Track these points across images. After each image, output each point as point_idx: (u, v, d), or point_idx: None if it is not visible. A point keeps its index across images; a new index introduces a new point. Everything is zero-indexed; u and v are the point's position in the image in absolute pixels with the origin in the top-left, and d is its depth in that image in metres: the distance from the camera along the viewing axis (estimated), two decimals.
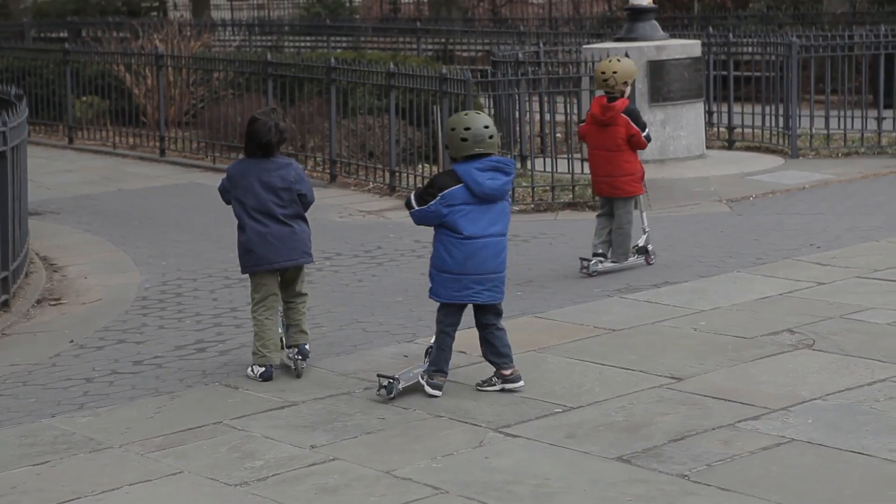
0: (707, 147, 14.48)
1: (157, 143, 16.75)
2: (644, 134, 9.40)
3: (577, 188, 12.24)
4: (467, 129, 6.60)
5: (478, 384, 6.87)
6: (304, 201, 7.30)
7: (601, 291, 8.79)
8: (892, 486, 5.29)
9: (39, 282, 9.87)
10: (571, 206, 12.13)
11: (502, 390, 6.77)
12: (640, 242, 9.53)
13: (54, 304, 9.29)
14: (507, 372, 6.80)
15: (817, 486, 5.34)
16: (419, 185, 11.28)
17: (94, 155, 16.95)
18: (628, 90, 9.63)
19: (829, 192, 12.43)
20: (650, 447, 5.84)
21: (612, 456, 5.77)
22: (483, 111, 14.05)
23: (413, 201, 6.73)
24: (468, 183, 6.60)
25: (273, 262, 7.19)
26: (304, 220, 7.33)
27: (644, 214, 9.60)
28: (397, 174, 13.28)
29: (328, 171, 14.20)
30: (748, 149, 14.97)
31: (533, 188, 12.29)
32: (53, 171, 15.51)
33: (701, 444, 5.83)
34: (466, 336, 7.86)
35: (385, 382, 6.75)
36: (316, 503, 5.45)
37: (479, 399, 6.65)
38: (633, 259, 9.49)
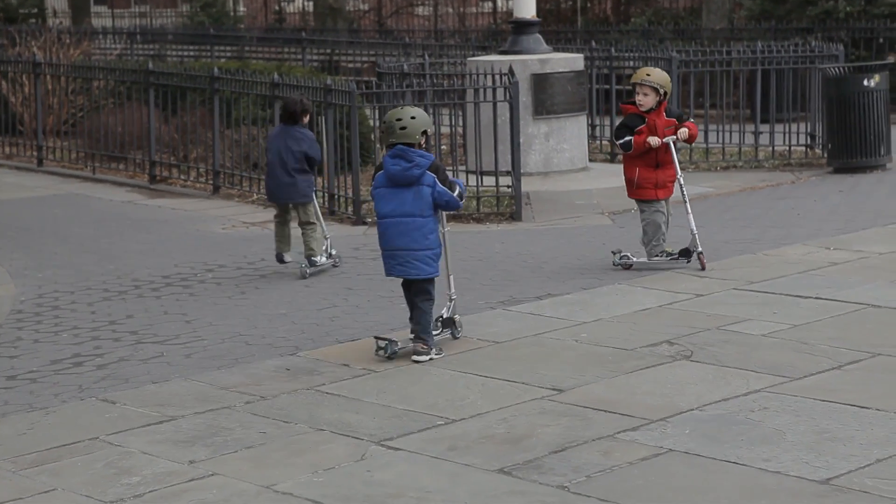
0: (590, 160, 14.63)
1: (35, 153, 16.42)
2: (620, 141, 9.69)
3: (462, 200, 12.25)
4: (384, 122, 7.72)
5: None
6: (312, 162, 10.06)
7: (485, 304, 8.83)
8: (766, 496, 5.39)
9: None
10: (456, 217, 12.15)
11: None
12: (689, 245, 9.63)
13: None
14: (417, 345, 7.49)
15: (694, 495, 5.42)
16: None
17: None
18: (637, 98, 9.69)
19: (708, 205, 12.65)
20: (531, 459, 5.87)
21: (493, 468, 5.79)
22: (368, 121, 14.14)
23: None
24: (384, 168, 7.62)
25: (278, 199, 10.20)
26: (307, 172, 10.02)
27: (690, 217, 9.64)
28: None
29: (211, 182, 14.04)
30: None
31: None
32: None
33: (581, 456, 5.88)
34: (349, 349, 7.85)
35: (382, 343, 7.50)
36: None
37: (361, 412, 6.63)
38: (662, 259, 9.61)
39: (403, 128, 7.52)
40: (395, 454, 6.01)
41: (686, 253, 9.61)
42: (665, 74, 9.79)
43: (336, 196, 12.51)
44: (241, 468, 5.89)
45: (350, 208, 12.34)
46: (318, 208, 10.25)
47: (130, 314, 8.94)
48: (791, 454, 5.78)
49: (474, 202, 12.23)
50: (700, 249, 9.55)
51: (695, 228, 9.60)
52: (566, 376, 7.08)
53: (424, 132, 7.59)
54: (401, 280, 7.73)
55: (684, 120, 9.81)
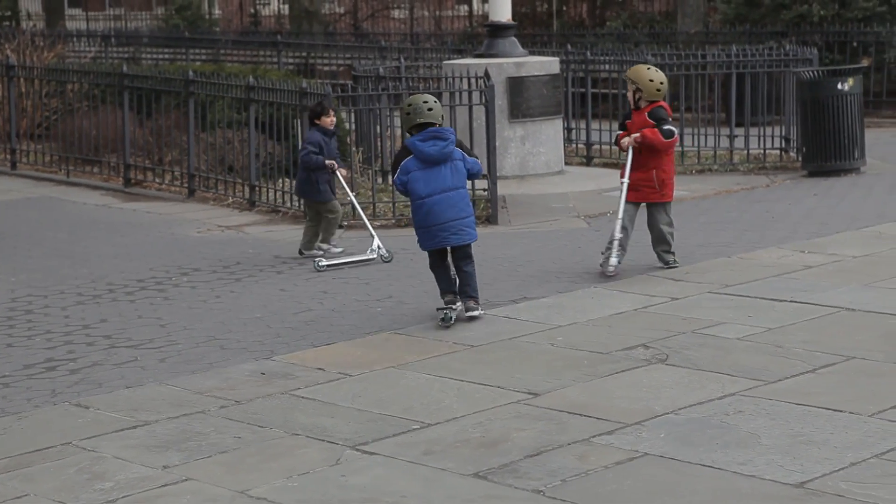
0: (566, 163, 14.66)
1: (9, 156, 16.34)
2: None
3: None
4: (409, 105, 8.30)
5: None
6: (302, 160, 10.58)
7: (460, 307, 8.81)
8: (741, 499, 5.39)
9: None
10: None
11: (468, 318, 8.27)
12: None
13: None
14: (469, 302, 8.27)
15: (669, 499, 5.42)
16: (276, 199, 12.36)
17: None
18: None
19: (683, 208, 12.66)
20: (507, 463, 5.86)
21: (468, 472, 5.77)
22: (345, 125, 14.12)
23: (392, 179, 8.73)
24: (414, 152, 8.17)
25: None
26: (306, 170, 10.52)
27: (617, 223, 9.50)
28: (257, 189, 13.15)
29: (186, 185, 13.99)
30: (606, 165, 15.21)
31: (394, 203, 12.28)
32: None
33: (556, 460, 5.87)
34: (324, 353, 7.83)
35: (443, 314, 8.19)
36: None
37: (336, 416, 6.61)
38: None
39: (430, 109, 8.23)
40: (371, 459, 5.99)
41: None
42: (642, 71, 9.60)
43: None
44: (215, 473, 5.86)
45: None
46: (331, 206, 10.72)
47: (104, 318, 8.89)
48: (766, 457, 5.79)
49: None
50: (611, 257, 9.39)
51: (615, 235, 9.45)
52: (541, 380, 7.07)
53: (442, 115, 8.37)
54: (430, 259, 8.52)
55: (665, 123, 9.56)
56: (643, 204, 9.69)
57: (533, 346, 7.78)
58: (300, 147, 10.86)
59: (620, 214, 9.58)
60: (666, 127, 9.54)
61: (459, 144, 8.36)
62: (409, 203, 12.25)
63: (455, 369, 7.34)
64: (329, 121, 10.62)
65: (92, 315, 8.98)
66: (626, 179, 9.58)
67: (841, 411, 6.37)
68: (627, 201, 9.62)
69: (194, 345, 8.12)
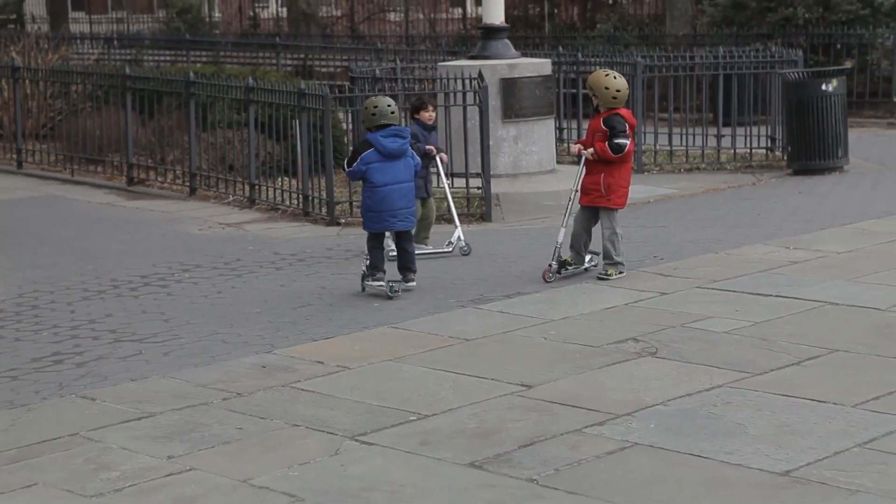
0: (557, 162, 14.77)
1: (15, 156, 16.47)
2: None
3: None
4: (375, 107, 9.23)
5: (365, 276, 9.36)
6: None
7: (455, 302, 8.97)
8: (728, 487, 5.50)
9: None
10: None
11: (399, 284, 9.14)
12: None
13: None
14: (409, 275, 9.35)
15: (659, 487, 5.53)
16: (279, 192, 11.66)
17: None
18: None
19: (672, 206, 12.84)
20: (501, 453, 5.97)
21: (464, 462, 5.88)
22: (342, 125, 14.29)
23: (345, 165, 9.42)
24: (377, 146, 9.13)
25: None
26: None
27: (562, 230, 9.60)
28: (257, 187, 13.31)
29: (188, 184, 14.14)
30: None
31: None
32: None
33: (549, 450, 5.98)
34: (323, 347, 7.98)
35: (389, 289, 9.08)
36: None
37: (335, 408, 6.73)
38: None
39: (393, 112, 9.21)
40: (369, 449, 6.10)
41: (562, 264, 9.54)
42: (600, 78, 9.43)
43: (310, 197, 12.65)
44: (218, 463, 5.96)
45: (324, 209, 12.48)
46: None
47: (109, 313, 9.01)
48: (752, 447, 5.90)
49: (445, 203, 12.36)
50: (551, 261, 9.47)
51: (559, 242, 9.49)
52: (535, 372, 7.18)
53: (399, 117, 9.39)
54: (377, 245, 9.41)
55: (615, 135, 9.30)
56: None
57: (526, 340, 7.89)
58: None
59: (564, 221, 9.62)
60: (616, 141, 9.30)
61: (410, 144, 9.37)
62: None
63: (450, 362, 7.45)
64: (427, 115, 10.74)
65: (97, 310, 9.11)
66: (576, 188, 9.60)
67: (825, 402, 6.49)
68: (581, 205, 9.58)
69: (197, 339, 8.25)
